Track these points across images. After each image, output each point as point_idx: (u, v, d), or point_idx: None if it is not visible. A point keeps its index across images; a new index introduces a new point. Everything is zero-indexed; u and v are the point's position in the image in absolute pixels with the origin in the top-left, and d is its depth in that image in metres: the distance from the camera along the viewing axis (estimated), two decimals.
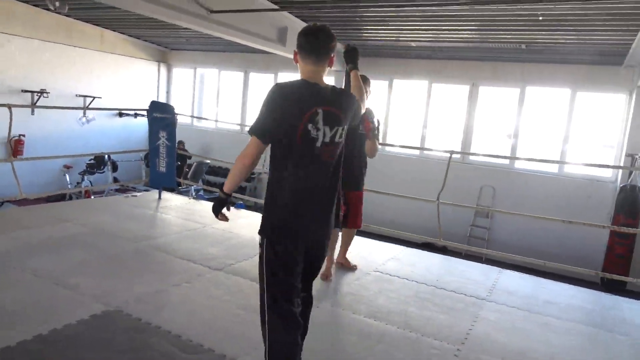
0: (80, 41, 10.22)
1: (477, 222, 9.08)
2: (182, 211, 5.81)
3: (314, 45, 2.12)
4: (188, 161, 10.31)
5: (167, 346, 2.66)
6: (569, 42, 7.16)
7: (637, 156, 7.50)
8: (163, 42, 11.91)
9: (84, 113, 10.30)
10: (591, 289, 4.58)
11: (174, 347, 2.66)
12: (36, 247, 4.11)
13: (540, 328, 3.48)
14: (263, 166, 4.33)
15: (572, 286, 4.54)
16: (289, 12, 7.11)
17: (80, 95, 10.37)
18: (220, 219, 2.23)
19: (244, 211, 6.40)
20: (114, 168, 10.39)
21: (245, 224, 5.48)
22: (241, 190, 10.19)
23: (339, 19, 7.51)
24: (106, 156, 9.87)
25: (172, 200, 6.41)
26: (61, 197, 8.96)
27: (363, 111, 2.50)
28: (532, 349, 3.14)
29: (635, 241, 7.55)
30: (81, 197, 9.29)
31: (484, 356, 2.97)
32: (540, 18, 5.91)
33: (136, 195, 6.56)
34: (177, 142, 6.51)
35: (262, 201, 7.37)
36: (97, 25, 10.22)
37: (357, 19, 7.38)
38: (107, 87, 10.96)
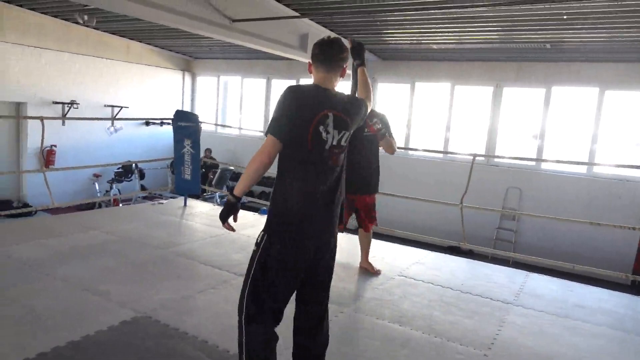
0: (107, 53, 10.53)
1: (503, 224, 8.93)
2: (206, 218, 5.90)
3: (328, 54, 2.19)
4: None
5: (195, 352, 2.71)
6: (596, 40, 7.00)
7: None
8: (187, 52, 12.15)
9: (112, 123, 10.58)
10: (621, 292, 4.46)
11: (202, 353, 2.71)
12: (67, 255, 4.24)
13: (569, 332, 3.41)
14: None
15: (601, 289, 4.42)
16: (310, 19, 7.17)
17: (108, 106, 10.66)
18: (226, 228, 2.17)
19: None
20: (141, 176, 10.63)
21: None
22: (266, 196, 10.27)
23: (360, 24, 7.54)
24: (133, 164, 10.10)
25: (197, 207, 6.52)
26: (90, 205, 9.22)
27: (370, 109, 2.53)
28: (561, 354, 3.07)
29: None
30: (110, 205, 9.54)
31: None
32: (565, 17, 5.80)
33: (162, 203, 6.70)
34: (204, 149, 6.63)
35: None
36: (123, 36, 10.50)
37: (378, 23, 7.38)
38: (134, 96, 11.24)
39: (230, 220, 2.16)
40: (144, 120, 11.32)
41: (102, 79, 10.55)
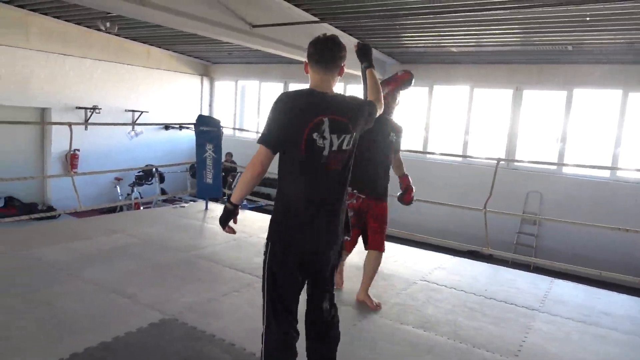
0: (128, 58, 10.70)
1: (523, 229, 8.83)
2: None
3: (324, 54, 2.11)
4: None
5: (223, 355, 2.75)
6: (620, 42, 6.90)
7: None
8: (205, 57, 12.29)
9: (133, 127, 10.75)
10: None
11: (229, 355, 2.74)
12: (93, 258, 4.32)
13: (597, 340, 3.36)
14: None
15: (629, 297, 4.35)
16: (329, 24, 7.20)
17: (128, 110, 10.83)
18: (227, 232, 2.21)
19: None
20: (161, 179, 10.78)
21: None
22: None
23: (378, 28, 7.55)
24: (154, 168, 10.24)
25: (217, 211, 6.58)
26: (112, 209, 9.38)
27: (381, 110, 2.47)
28: None
29: None
30: (131, 208, 9.68)
31: None
32: (588, 19, 5.73)
33: (184, 206, 6.78)
34: (225, 153, 6.69)
35: None
36: (144, 42, 10.67)
37: (397, 27, 7.39)
38: (154, 101, 11.40)
39: (231, 222, 2.18)
40: (164, 125, 11.48)
41: (123, 84, 10.73)
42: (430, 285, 4.21)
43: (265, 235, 2.17)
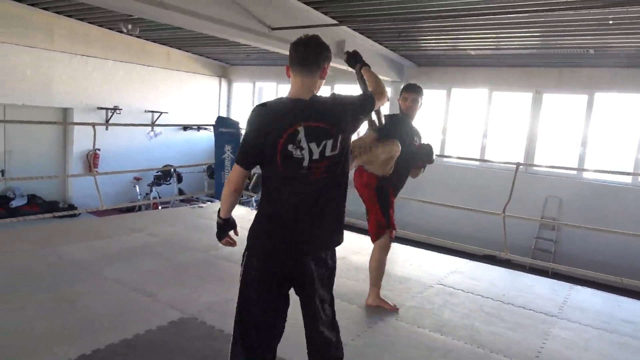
0: (148, 60, 10.86)
1: (542, 234, 8.71)
2: (244, 221, 5.95)
3: (303, 56, 2.00)
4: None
5: None
6: None
7: None
8: (224, 58, 12.41)
9: (152, 128, 10.90)
10: None
11: None
12: (114, 256, 4.41)
13: (618, 348, 3.31)
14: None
15: None
16: (348, 27, 7.22)
17: (148, 111, 10.99)
18: (224, 244, 2.18)
19: None
20: (179, 179, 10.91)
21: None
22: None
23: (397, 31, 7.54)
24: (172, 168, 10.38)
25: (234, 211, 6.63)
26: (131, 208, 9.53)
27: (382, 104, 2.44)
28: None
29: None
30: (150, 207, 9.82)
31: None
32: (611, 22, 5.65)
33: (202, 206, 6.86)
34: None
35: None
36: (164, 44, 10.82)
37: (415, 30, 7.37)
38: (173, 102, 11.55)
39: (232, 233, 2.18)
40: (182, 126, 11.62)
41: (144, 85, 10.89)
42: (447, 289, 4.20)
43: None
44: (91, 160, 9.52)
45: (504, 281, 4.69)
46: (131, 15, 7.84)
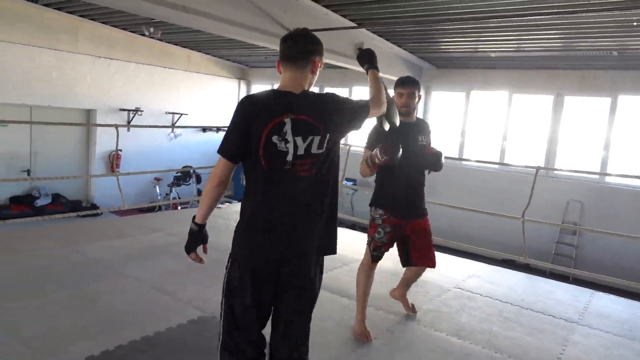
0: (169, 62, 11.04)
1: (562, 239, 8.58)
2: None
3: (292, 49, 1.95)
4: None
5: None
6: None
7: None
8: (243, 61, 12.53)
9: (172, 129, 11.06)
10: None
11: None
12: (135, 255, 4.50)
13: (639, 357, 3.26)
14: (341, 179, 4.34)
15: None
16: (366, 29, 7.23)
17: (169, 113, 11.16)
18: (192, 259, 2.03)
19: None
20: (198, 180, 11.05)
21: None
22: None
23: (416, 33, 7.52)
24: (191, 169, 10.51)
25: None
26: (151, 208, 9.69)
27: (377, 114, 2.31)
28: None
29: None
30: (169, 208, 9.97)
31: None
32: (635, 24, 5.55)
33: (221, 207, 6.94)
34: None
35: (346, 216, 7.41)
36: (185, 47, 10.98)
37: (435, 32, 7.34)
38: (192, 104, 11.70)
39: (200, 251, 2.01)
40: (202, 127, 11.76)
41: (165, 87, 11.06)
42: (465, 293, 4.18)
43: None
44: (113, 160, 9.70)
45: (523, 286, 4.65)
46: (153, 19, 7.99)
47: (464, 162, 9.05)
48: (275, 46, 6.85)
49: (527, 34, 6.83)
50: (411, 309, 3.58)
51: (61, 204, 9.29)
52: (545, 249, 8.39)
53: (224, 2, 5.66)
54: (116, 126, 5.45)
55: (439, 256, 5.27)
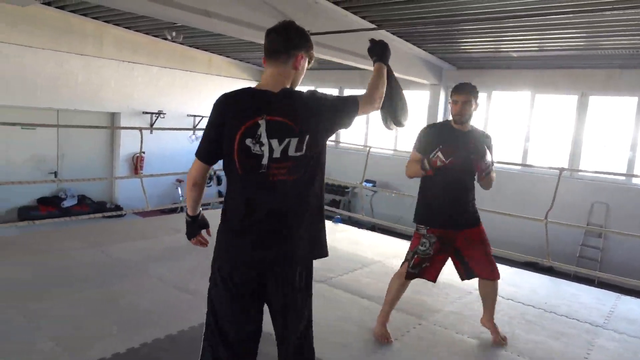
0: (191, 66, 11.21)
1: (587, 241, 8.40)
2: None
3: (273, 43, 1.84)
4: None
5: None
6: None
7: None
8: (261, 63, 12.63)
9: (193, 132, 11.22)
10: None
11: None
12: (159, 255, 4.59)
13: None
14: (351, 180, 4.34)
15: None
16: (386, 30, 7.22)
17: (190, 115, 11.33)
18: (194, 244, 2.09)
19: (341, 225, 6.55)
20: (219, 182, 11.18)
21: (344, 237, 5.64)
22: (336, 204, 10.39)
23: (436, 33, 7.49)
24: (212, 171, 10.64)
25: None
26: (173, 209, 9.84)
27: (367, 112, 2.05)
28: None
29: None
30: None
31: None
32: None
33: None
34: None
35: (366, 218, 7.36)
36: (206, 50, 11.13)
37: (455, 32, 7.29)
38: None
39: (204, 232, 2.09)
40: None
41: (186, 90, 11.24)
42: None
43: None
44: (137, 162, 9.89)
45: (546, 289, 4.58)
46: (175, 23, 8.12)
47: None
48: None
49: (550, 33, 6.72)
50: (499, 340, 3.19)
51: (87, 205, 9.52)
52: (569, 251, 8.24)
53: (244, 6, 5.73)
54: (140, 129, 5.58)
55: None
